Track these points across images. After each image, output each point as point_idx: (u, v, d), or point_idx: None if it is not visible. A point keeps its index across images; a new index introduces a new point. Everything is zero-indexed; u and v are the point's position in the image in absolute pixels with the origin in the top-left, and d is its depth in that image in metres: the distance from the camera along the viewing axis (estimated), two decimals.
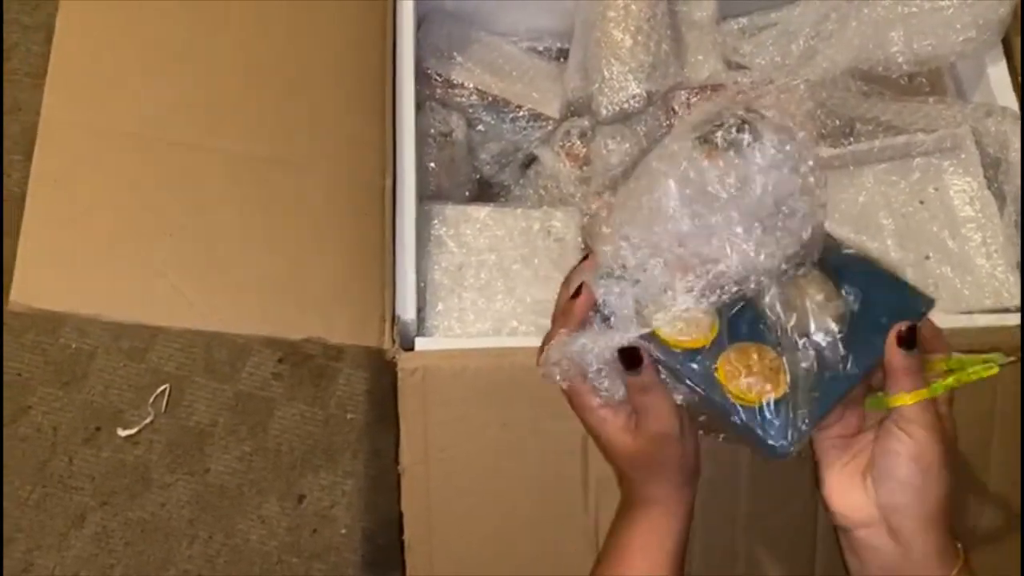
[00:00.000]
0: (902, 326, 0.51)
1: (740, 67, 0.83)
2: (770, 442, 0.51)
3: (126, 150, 0.61)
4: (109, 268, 0.60)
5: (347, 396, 1.09)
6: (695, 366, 0.54)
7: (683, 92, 0.81)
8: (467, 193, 0.86)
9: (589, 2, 0.82)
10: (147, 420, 1.08)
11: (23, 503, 1.05)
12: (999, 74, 0.78)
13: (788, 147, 0.53)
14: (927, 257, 0.75)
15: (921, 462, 0.50)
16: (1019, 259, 0.71)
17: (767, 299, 0.54)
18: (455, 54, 0.87)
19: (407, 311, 0.67)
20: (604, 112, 0.79)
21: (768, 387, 0.53)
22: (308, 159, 0.67)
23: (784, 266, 0.53)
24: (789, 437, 0.51)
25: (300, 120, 0.68)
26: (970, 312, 0.72)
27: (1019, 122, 0.74)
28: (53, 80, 0.60)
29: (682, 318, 0.55)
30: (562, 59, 0.91)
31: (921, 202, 0.76)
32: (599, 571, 0.58)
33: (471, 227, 0.76)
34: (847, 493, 0.52)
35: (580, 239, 0.78)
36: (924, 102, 0.76)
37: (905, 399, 0.50)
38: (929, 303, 0.55)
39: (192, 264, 0.61)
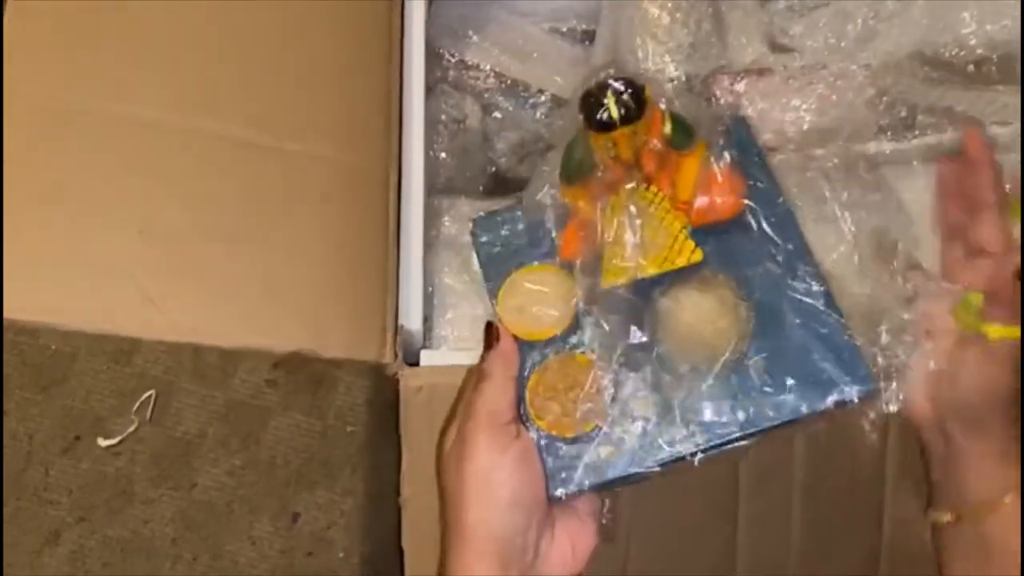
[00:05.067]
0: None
1: (788, 50, 0.75)
2: (549, 485, 0.47)
3: (90, 130, 0.53)
4: (70, 267, 0.52)
5: (347, 407, 1.02)
6: (525, 362, 0.49)
7: (725, 76, 0.73)
8: (480, 187, 0.78)
9: None
10: (130, 429, 1.00)
11: None
12: None
13: None
14: None
15: (989, 394, 0.48)
16: None
17: (617, 314, 0.47)
18: (470, 33, 0.79)
19: (412, 320, 0.59)
20: None
21: (566, 421, 0.47)
22: (300, 145, 0.59)
23: None
24: (563, 487, 0.46)
25: (293, 102, 0.60)
26: None
27: None
28: (9, 52, 0.52)
29: (533, 300, 0.49)
30: (588, 42, 0.83)
31: None
32: None
33: None
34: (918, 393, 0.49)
35: None
36: (1001, 91, 0.67)
37: (998, 331, 0.47)
38: (862, 388, 0.45)
39: (163, 264, 0.53)
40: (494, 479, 0.45)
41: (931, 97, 0.67)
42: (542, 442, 0.47)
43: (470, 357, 0.60)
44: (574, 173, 0.48)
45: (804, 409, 0.45)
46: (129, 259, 0.52)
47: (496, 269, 0.52)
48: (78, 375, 1.02)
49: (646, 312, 0.47)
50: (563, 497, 0.46)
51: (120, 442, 1.00)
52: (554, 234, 0.50)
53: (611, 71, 0.44)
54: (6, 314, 0.49)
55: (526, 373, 0.48)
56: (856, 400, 0.45)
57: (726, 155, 0.48)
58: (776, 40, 0.75)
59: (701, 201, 0.47)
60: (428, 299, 0.65)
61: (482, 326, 0.66)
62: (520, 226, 0.52)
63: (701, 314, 0.46)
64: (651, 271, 0.48)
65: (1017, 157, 0.68)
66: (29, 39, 0.54)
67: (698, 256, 0.48)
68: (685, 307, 0.46)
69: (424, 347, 0.61)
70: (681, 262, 0.48)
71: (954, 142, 0.68)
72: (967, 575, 0.49)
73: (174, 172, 0.55)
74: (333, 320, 0.57)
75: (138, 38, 0.56)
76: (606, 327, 0.47)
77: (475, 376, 0.49)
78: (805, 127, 0.69)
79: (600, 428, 0.46)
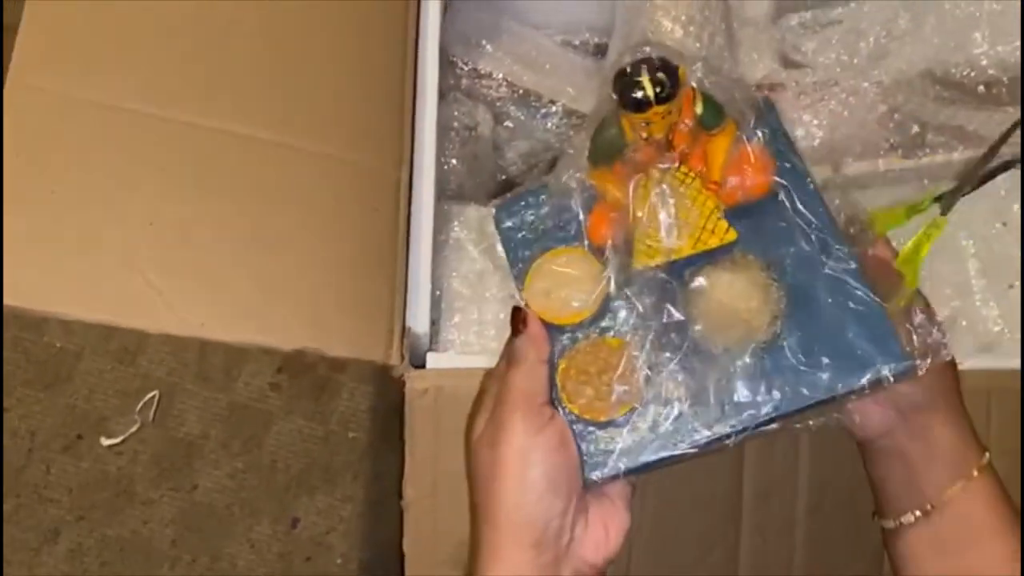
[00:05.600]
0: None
1: (800, 66, 0.75)
2: (584, 468, 0.46)
3: (103, 122, 0.53)
4: (77, 259, 0.52)
5: (350, 412, 1.01)
6: (554, 346, 0.47)
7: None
8: (490, 196, 0.78)
9: None
10: (133, 429, 1.00)
11: None
12: None
13: None
14: (1010, 286, 0.66)
15: (938, 378, 0.47)
16: None
17: (650, 295, 0.45)
18: (484, 42, 0.79)
19: (419, 322, 0.59)
20: None
21: (599, 405, 0.45)
22: (313, 144, 0.59)
23: None
24: (599, 471, 0.45)
25: (307, 102, 0.60)
26: None
27: None
28: (24, 39, 0.52)
29: (561, 283, 0.47)
30: (600, 55, 0.83)
31: (1004, 223, 0.68)
32: None
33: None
34: (864, 407, 0.49)
35: None
36: (1014, 112, 0.67)
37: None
38: (897, 365, 0.44)
39: (173, 258, 0.53)
40: (530, 460, 0.43)
41: (942, 116, 0.67)
42: (575, 426, 0.46)
43: (477, 361, 0.60)
44: (603, 154, 0.46)
45: (840, 387, 0.44)
46: (137, 253, 0.52)
47: (521, 253, 0.50)
48: (82, 374, 1.02)
49: (679, 293, 0.46)
50: (599, 481, 0.45)
51: (122, 442, 0.99)
52: (581, 217, 0.48)
53: (646, 48, 0.43)
54: (11, 302, 0.49)
55: (555, 358, 0.47)
56: (892, 378, 0.44)
57: (757, 134, 0.46)
58: (788, 56, 0.75)
59: (732, 180, 0.46)
60: (435, 303, 0.64)
61: (488, 332, 0.66)
62: (544, 209, 0.50)
63: (734, 294, 0.44)
64: (685, 252, 0.46)
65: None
66: (41, 30, 0.54)
67: (732, 236, 0.46)
68: (717, 287, 0.45)
69: (431, 350, 0.60)
70: (715, 242, 0.46)
71: (964, 161, 0.68)
72: (945, 568, 0.47)
73: (186, 167, 0.55)
74: (340, 320, 0.57)
75: (154, 34, 0.56)
76: (640, 309, 0.45)
77: (504, 361, 0.48)
78: (816, 143, 0.69)
79: (634, 411, 0.45)
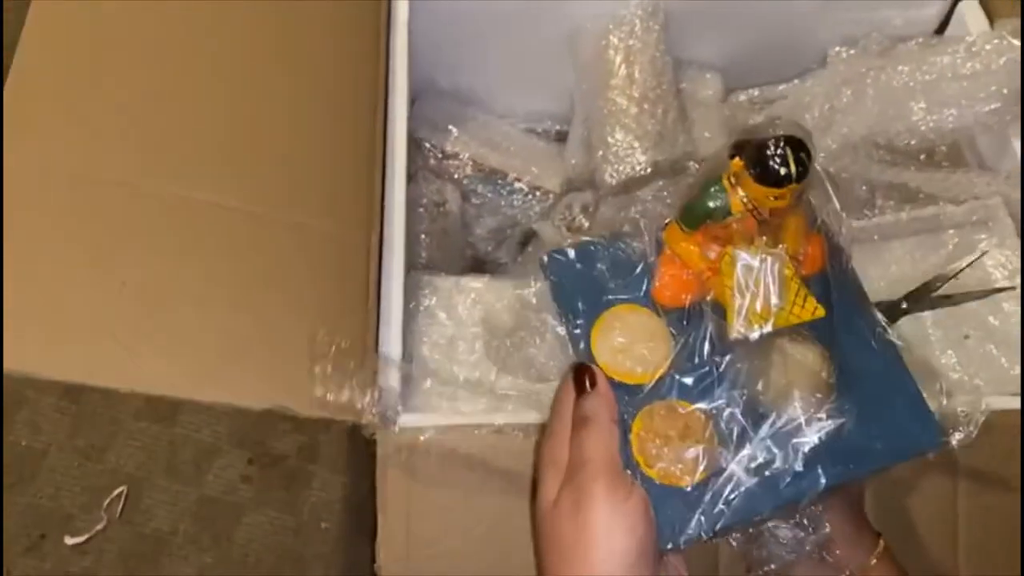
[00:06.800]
0: None
1: None
2: (660, 536, 0.44)
3: (75, 190, 0.55)
4: (45, 318, 0.52)
5: (322, 503, 0.99)
6: (620, 408, 0.46)
7: (693, 163, 0.77)
8: (460, 270, 0.80)
9: (592, 72, 0.78)
10: (99, 526, 0.97)
11: None
12: None
13: None
14: (966, 337, 0.68)
15: None
16: None
17: (742, 364, 0.46)
18: (450, 127, 0.83)
19: (390, 383, 0.59)
20: (609, 181, 0.74)
21: (679, 470, 0.44)
22: (284, 214, 0.60)
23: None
24: (676, 537, 0.44)
25: (279, 175, 0.62)
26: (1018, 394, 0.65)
27: None
28: (9, 112, 0.54)
29: (631, 341, 0.47)
30: (562, 142, 0.87)
31: (955, 278, 0.70)
32: None
33: (465, 299, 0.69)
34: None
35: None
36: (952, 171, 0.71)
37: None
38: (938, 441, 0.47)
39: (144, 320, 0.53)
40: (617, 530, 0.42)
41: (887, 175, 0.70)
42: (651, 492, 0.44)
43: (450, 419, 0.60)
44: (701, 218, 0.47)
45: (889, 460, 0.47)
46: (107, 314, 0.53)
47: (578, 307, 0.50)
48: (48, 471, 0.99)
49: (757, 362, 0.46)
50: (681, 548, 0.44)
51: (87, 540, 0.96)
52: (647, 277, 0.49)
53: (777, 122, 0.45)
54: None
55: (626, 418, 0.46)
56: (929, 453, 0.47)
57: (826, 210, 0.49)
58: (739, 129, 0.79)
59: (803, 256, 0.48)
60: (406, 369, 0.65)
61: (460, 396, 0.66)
62: (600, 265, 0.51)
63: (808, 366, 0.46)
64: (781, 323, 0.46)
65: (972, 234, 0.72)
66: (28, 102, 0.55)
67: (821, 312, 0.47)
68: (795, 359, 0.46)
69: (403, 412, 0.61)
70: (806, 316, 0.47)
71: (912, 219, 0.71)
72: None
73: (159, 233, 0.56)
74: (311, 381, 0.57)
75: (130, 104, 0.59)
76: (732, 376, 0.46)
77: (573, 423, 0.46)
78: None
79: (714, 477, 0.44)
